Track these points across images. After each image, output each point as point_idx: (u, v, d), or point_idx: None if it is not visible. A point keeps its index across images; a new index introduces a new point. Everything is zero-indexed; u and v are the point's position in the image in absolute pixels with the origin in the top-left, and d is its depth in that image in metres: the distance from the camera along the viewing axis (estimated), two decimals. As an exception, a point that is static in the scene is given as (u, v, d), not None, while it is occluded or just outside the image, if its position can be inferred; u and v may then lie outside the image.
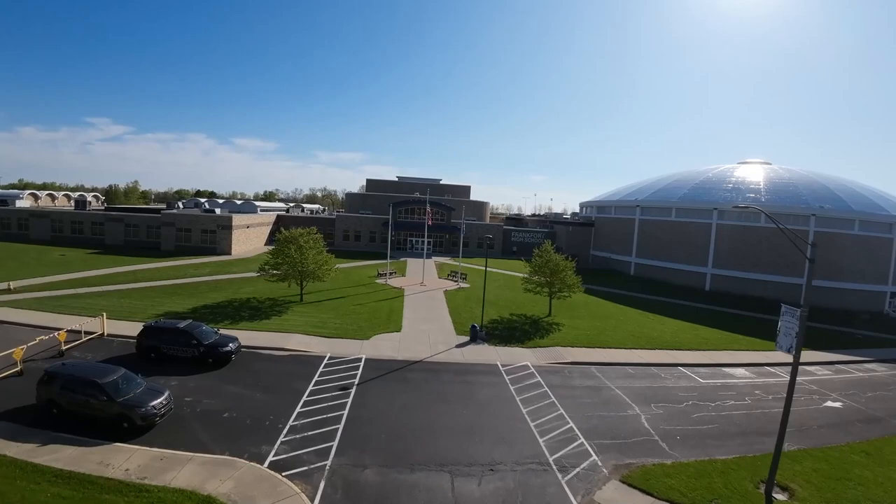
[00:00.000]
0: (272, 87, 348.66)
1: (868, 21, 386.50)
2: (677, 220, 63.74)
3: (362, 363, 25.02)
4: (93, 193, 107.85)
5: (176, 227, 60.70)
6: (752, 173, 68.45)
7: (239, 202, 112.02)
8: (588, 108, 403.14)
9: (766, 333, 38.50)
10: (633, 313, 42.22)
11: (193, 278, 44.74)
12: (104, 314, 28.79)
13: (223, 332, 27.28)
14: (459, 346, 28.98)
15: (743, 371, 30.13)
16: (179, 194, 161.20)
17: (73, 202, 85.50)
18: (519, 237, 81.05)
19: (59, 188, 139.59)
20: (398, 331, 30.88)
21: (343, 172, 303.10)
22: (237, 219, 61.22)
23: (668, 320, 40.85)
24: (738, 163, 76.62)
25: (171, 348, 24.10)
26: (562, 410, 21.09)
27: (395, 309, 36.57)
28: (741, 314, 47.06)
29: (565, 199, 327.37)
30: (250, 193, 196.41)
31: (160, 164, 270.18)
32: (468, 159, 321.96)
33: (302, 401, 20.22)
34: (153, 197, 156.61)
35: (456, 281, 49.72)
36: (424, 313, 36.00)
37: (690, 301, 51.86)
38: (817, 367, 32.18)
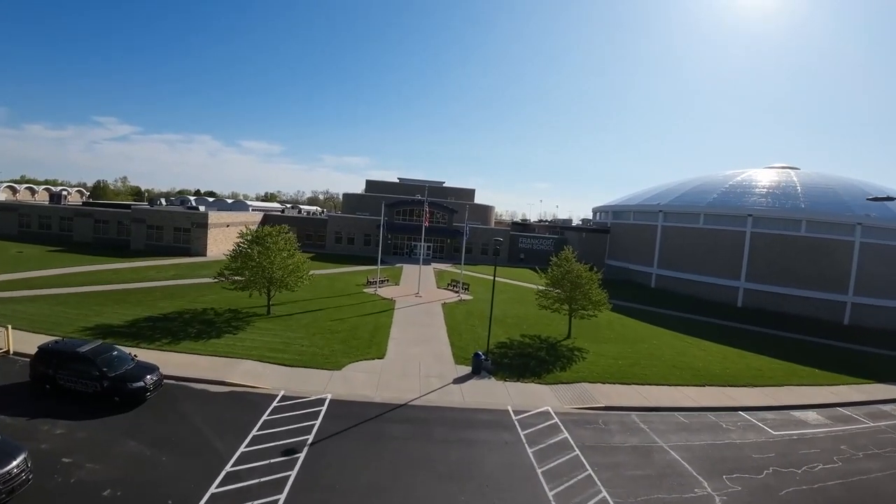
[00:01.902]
0: (278, 89, 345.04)
1: (874, 23, 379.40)
2: (706, 227, 57.10)
3: (325, 407, 18.43)
4: (77, 188, 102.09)
5: (147, 224, 54.50)
6: (784, 178, 61.94)
7: (230, 201, 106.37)
8: (593, 114, 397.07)
9: (823, 362, 32.11)
10: (666, 335, 35.63)
11: (153, 282, 38.51)
12: (9, 327, 22.52)
13: (149, 356, 21.04)
14: (458, 380, 22.34)
15: (815, 416, 23.70)
16: (182, 194, 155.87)
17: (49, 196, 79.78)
18: (527, 244, 74.49)
19: (61, 185, 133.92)
20: (381, 357, 24.31)
21: (348, 177, 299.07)
22: (214, 216, 54.97)
23: (709, 344, 34.31)
24: (765, 167, 70.22)
25: (69, 379, 17.80)
26: (604, 492, 14.50)
27: (380, 326, 30.02)
28: (785, 336, 40.60)
29: (570, 207, 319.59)
30: (252, 195, 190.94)
31: (167, 164, 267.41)
32: (471, 165, 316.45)
33: (224, 472, 13.74)
34: (146, 195, 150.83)
35: (457, 291, 43.19)
36: (417, 333, 29.48)
37: (723, 319, 45.34)
38: (893, 407, 25.91)
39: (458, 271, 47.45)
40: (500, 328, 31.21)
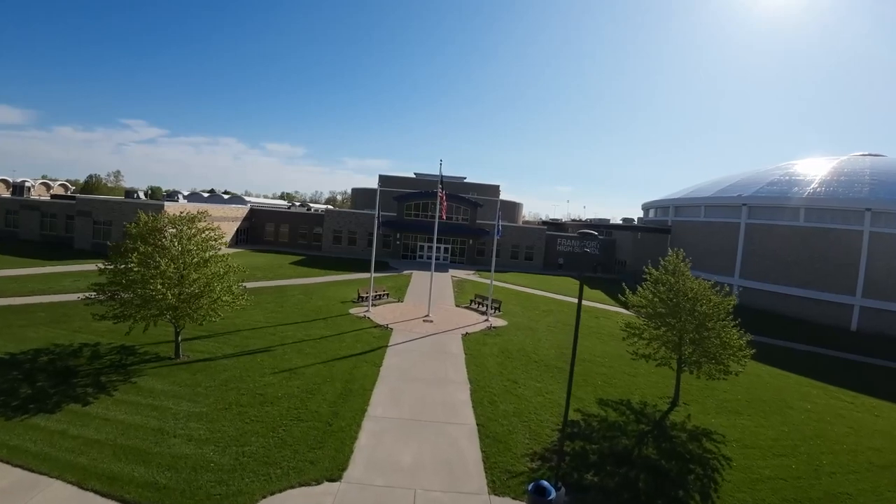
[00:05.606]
0: (302, 91, 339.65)
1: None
2: (807, 225, 43.67)
3: None
4: (59, 183, 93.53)
5: (93, 218, 43.93)
6: (890, 166, 48.25)
7: (226, 196, 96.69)
8: (616, 114, 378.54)
9: None
10: (809, 388, 22.91)
11: (54, 296, 27.47)
12: None
13: None
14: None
15: None
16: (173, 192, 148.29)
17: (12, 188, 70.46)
18: (567, 246, 61.66)
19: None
20: (336, 476, 11.75)
21: (370, 179, 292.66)
22: (173, 208, 43.87)
23: (877, 404, 21.69)
24: (848, 156, 56.09)
25: None
26: None
27: (354, 389, 17.34)
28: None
29: (596, 210, 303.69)
30: (271, 195, 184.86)
31: (192, 166, 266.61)
32: (491, 168, 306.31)
33: None
34: (141, 192, 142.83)
35: (484, 313, 30.88)
36: (417, 402, 16.80)
37: (839, 350, 32.77)
38: None
39: (485, 282, 35.29)
40: (559, 385, 18.87)
